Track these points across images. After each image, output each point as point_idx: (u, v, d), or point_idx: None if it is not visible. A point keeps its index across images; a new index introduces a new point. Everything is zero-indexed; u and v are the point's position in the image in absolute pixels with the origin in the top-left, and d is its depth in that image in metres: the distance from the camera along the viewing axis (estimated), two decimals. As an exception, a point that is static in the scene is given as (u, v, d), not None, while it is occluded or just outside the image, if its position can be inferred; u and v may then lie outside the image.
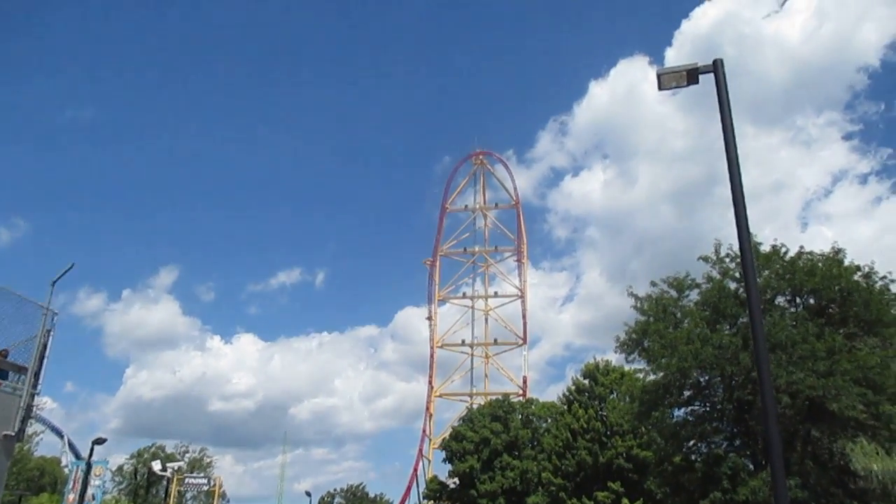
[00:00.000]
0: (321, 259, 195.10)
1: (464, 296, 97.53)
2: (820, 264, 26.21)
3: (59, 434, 71.55)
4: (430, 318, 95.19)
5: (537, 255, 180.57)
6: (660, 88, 11.07)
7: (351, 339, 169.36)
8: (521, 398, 72.77)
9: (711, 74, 11.05)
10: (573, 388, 52.97)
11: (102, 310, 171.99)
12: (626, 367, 44.18)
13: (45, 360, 14.95)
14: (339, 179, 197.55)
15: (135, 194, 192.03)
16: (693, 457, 29.22)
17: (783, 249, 27.59)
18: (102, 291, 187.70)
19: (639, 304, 29.71)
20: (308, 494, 60.95)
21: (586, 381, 52.00)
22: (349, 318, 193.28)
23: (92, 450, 37.60)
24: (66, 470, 63.75)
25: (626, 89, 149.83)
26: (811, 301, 26.66)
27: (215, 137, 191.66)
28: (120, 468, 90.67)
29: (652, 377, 28.29)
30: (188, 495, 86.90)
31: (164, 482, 70.19)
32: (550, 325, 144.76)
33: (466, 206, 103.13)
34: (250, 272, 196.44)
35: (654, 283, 30.01)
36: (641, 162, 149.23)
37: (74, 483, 50.69)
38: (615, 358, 49.67)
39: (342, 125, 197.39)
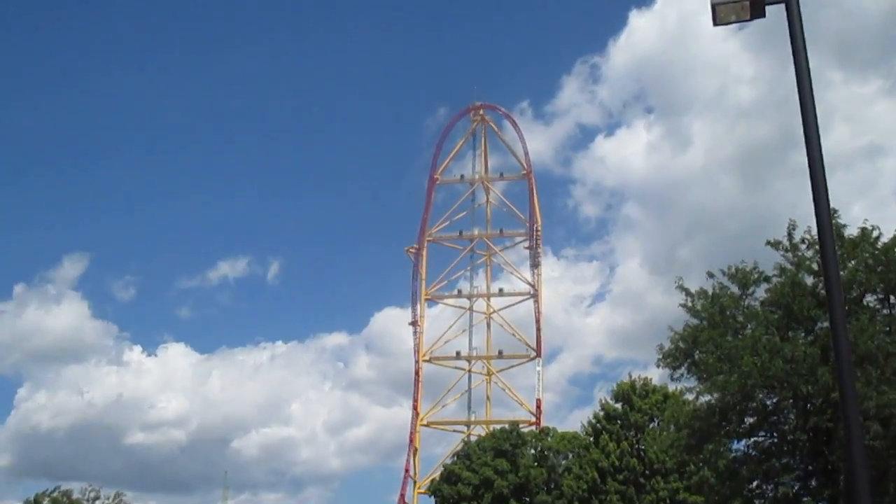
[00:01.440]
0: (275, 246, 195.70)
1: (459, 294, 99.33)
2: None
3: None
4: (414, 324, 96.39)
5: (558, 240, 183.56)
6: (715, 23, 11.12)
7: (314, 350, 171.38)
8: (533, 427, 73.70)
9: (783, 4, 11.14)
10: (602, 414, 53.66)
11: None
12: (672, 387, 45.11)
13: None
14: (298, 142, 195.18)
15: (23, 156, 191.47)
16: (757, 502, 29.57)
17: (875, 233, 27.77)
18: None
19: (690, 303, 30.17)
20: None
21: (619, 406, 52.75)
22: (311, 323, 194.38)
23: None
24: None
25: (677, 21, 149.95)
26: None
27: (136, 81, 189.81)
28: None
29: (705, 399, 28.82)
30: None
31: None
32: (574, 333, 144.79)
33: (462, 176, 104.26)
34: (182, 263, 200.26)
35: (710, 275, 30.38)
36: (696, 118, 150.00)
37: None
38: (657, 375, 50.78)
39: (301, 72, 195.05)
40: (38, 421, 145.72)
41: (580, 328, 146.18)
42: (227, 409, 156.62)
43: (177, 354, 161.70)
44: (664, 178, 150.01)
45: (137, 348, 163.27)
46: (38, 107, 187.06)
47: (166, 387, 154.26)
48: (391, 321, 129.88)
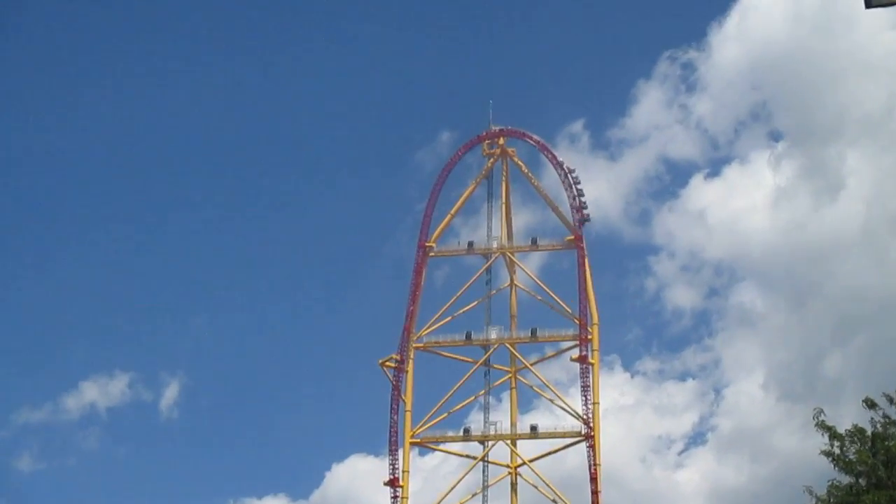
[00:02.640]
0: (171, 357, 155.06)
1: (466, 435, 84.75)
2: None
3: None
4: (394, 483, 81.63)
5: (630, 347, 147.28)
6: (868, 4, 11.39)
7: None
8: None
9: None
10: None
11: None
12: None
13: None
14: (214, 189, 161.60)
15: None
16: None
17: None
18: None
19: (838, 450, 27.34)
20: None
21: None
22: (228, 481, 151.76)
23: None
24: None
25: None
26: None
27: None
28: None
29: None
30: None
31: None
32: (658, 497, 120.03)
33: (472, 243, 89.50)
34: (21, 384, 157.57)
35: (869, 405, 27.82)
36: (851, 147, 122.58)
37: None
38: None
39: (235, 87, 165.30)
40: None
41: (667, 489, 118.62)
42: None
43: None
44: (801, 245, 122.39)
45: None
46: None
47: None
48: (359, 478, 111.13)
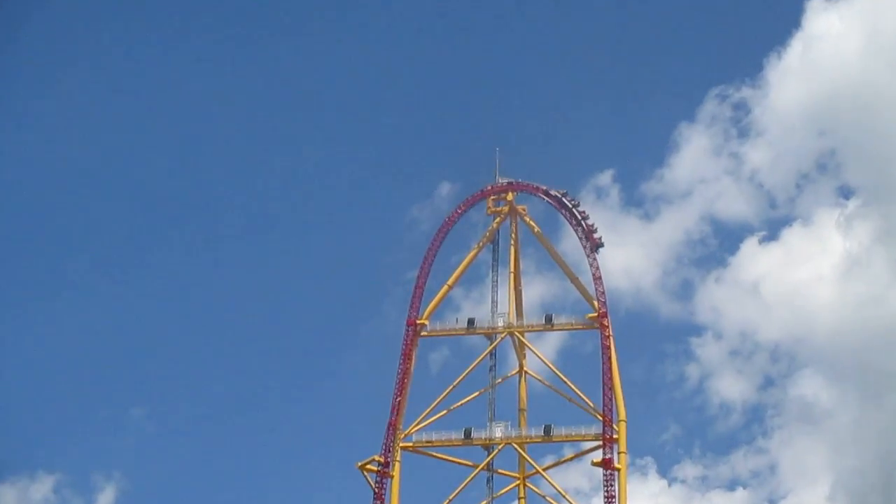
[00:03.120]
0: (107, 455, 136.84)
1: None
2: None
3: None
4: None
5: (669, 449, 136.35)
6: None
7: None
8: None
9: None
10: None
11: None
12: None
13: None
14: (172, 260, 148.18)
15: None
16: None
17: None
18: None
19: None
20: None
21: None
22: None
23: None
24: None
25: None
26: None
27: None
28: None
29: None
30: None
31: None
32: None
33: (472, 320, 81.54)
34: None
35: None
36: None
37: None
38: None
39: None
40: None
41: None
42: None
43: None
44: (875, 325, 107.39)
45: None
46: None
47: None
48: None
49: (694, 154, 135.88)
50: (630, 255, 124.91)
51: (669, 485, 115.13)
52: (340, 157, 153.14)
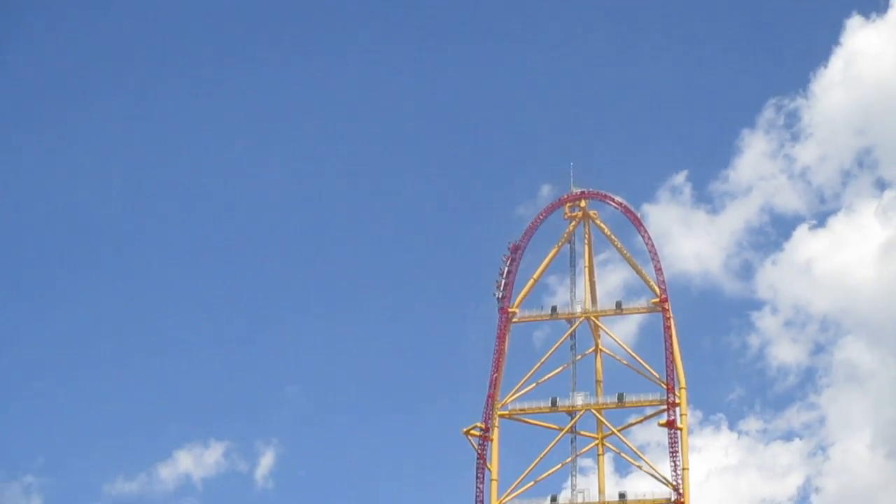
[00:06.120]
0: (266, 425, 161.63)
1: (554, 503, 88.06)
2: None
3: None
4: None
5: (734, 405, 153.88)
6: None
7: None
8: None
9: None
10: None
11: None
12: None
13: None
14: (298, 266, 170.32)
15: None
16: None
17: None
18: None
19: None
20: None
21: None
22: None
23: None
24: None
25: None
26: None
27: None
28: None
29: None
30: None
31: None
32: None
33: (555, 308, 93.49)
34: (115, 454, 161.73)
35: None
36: None
37: None
38: None
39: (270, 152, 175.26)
40: None
41: None
42: None
43: None
44: None
45: None
46: None
47: None
48: None
49: (754, 156, 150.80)
50: (700, 244, 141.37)
51: (739, 437, 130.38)
52: (464, 163, 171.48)
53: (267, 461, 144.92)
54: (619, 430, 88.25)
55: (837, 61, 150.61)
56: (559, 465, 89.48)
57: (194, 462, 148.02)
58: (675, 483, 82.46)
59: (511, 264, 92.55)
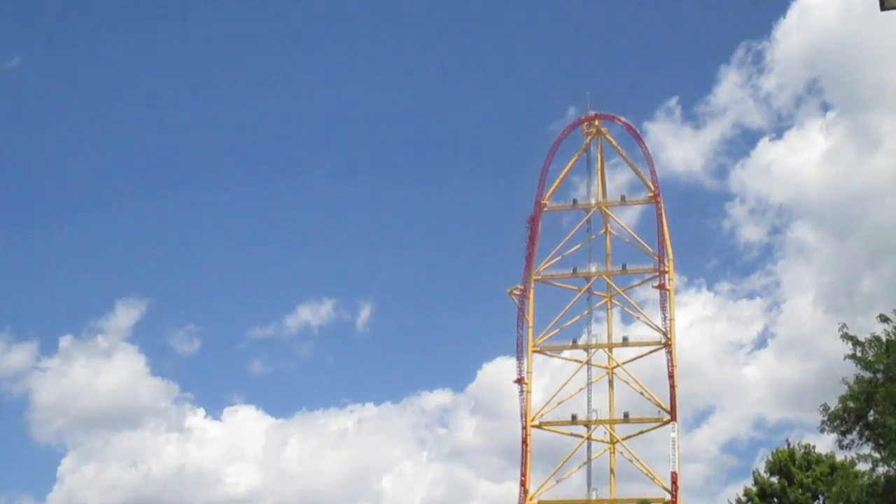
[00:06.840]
0: (364, 287, 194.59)
1: (574, 344, 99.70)
2: None
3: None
4: (521, 382, 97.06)
5: (711, 272, 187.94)
6: (883, 7, 11.50)
7: (410, 412, 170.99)
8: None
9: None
10: (755, 490, 52.01)
11: (29, 368, 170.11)
12: (841, 456, 44.85)
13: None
14: (382, 173, 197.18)
15: (71, 193, 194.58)
16: None
17: None
18: (30, 340, 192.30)
19: (860, 353, 30.19)
20: None
21: (775, 480, 50.78)
22: (408, 379, 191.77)
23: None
24: None
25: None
26: None
27: (198, 112, 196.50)
28: None
29: (882, 470, 28.51)
30: None
31: None
32: (730, 388, 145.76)
33: (575, 200, 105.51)
34: (254, 308, 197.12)
35: (883, 318, 30.43)
36: (889, 114, 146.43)
37: None
38: (827, 442, 53.88)
39: (381, 101, 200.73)
40: (85, 497, 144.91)
41: (736, 382, 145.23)
42: (305, 484, 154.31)
43: (247, 419, 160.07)
44: (845, 191, 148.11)
45: (201, 412, 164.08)
46: (87, 141, 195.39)
47: (235, 457, 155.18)
48: (503, 375, 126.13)
49: (729, 86, 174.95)
50: (686, 151, 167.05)
51: (714, 296, 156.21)
52: (511, 90, 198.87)
53: (365, 313, 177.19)
54: (623, 291, 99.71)
55: (794, 13, 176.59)
56: (578, 317, 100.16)
57: (312, 313, 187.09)
58: (664, 329, 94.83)
59: (543, 167, 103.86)
